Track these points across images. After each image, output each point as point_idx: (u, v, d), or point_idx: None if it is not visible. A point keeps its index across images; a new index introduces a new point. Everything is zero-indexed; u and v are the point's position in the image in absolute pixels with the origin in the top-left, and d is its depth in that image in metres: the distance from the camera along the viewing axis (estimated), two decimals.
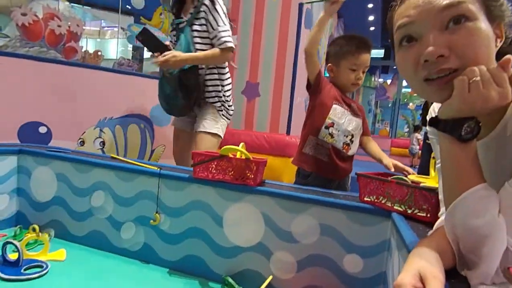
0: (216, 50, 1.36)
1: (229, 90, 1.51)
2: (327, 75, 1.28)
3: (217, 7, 1.36)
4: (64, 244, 1.09)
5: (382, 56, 10.65)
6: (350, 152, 1.19)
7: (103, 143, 1.78)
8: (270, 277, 0.88)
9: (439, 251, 0.43)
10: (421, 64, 0.46)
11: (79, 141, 1.72)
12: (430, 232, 0.56)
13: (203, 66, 1.42)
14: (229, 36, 1.37)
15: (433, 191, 0.71)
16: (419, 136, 6.42)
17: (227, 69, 1.50)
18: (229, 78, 1.51)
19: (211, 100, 1.46)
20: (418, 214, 0.74)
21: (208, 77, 1.45)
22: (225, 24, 1.36)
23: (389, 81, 12.70)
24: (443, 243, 0.45)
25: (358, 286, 0.83)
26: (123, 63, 2.81)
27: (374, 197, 0.84)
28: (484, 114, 0.44)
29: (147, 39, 1.35)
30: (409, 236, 0.60)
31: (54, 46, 1.80)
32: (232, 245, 0.94)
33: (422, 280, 0.38)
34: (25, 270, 0.88)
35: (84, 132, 1.74)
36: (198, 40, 1.38)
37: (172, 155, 1.65)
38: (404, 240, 0.59)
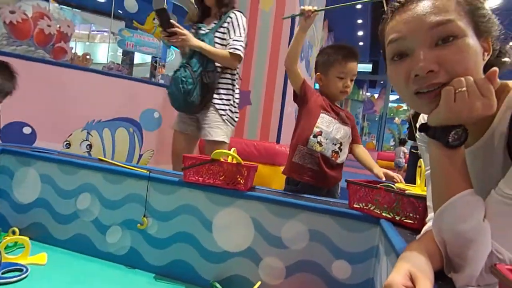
0: (225, 52, 1.45)
1: (238, 97, 1.57)
2: (317, 85, 1.31)
3: (240, 22, 1.49)
4: (45, 248, 1.04)
5: (370, 70, 10.99)
6: (339, 160, 1.20)
7: (90, 146, 1.74)
8: (259, 283, 0.87)
9: (427, 253, 0.44)
10: (412, 78, 0.48)
11: (65, 143, 1.68)
12: (418, 236, 0.57)
13: (219, 70, 1.48)
14: (242, 46, 1.48)
15: (420, 198, 0.73)
16: (405, 149, 6.58)
17: (237, 76, 1.57)
18: (238, 86, 1.59)
19: (218, 105, 1.49)
20: (406, 221, 0.76)
21: (222, 80, 1.51)
22: (241, 36, 1.48)
23: (376, 95, 13.07)
24: (431, 246, 0.46)
25: None
26: (112, 67, 2.78)
27: (363, 204, 0.85)
28: (470, 123, 0.46)
29: (163, 15, 1.38)
30: (398, 241, 0.62)
31: (43, 46, 1.77)
32: (220, 250, 0.93)
33: (412, 280, 0.39)
34: (3, 273, 0.84)
35: (71, 134, 1.70)
36: (218, 46, 1.48)
37: (161, 160, 1.63)
38: (393, 245, 0.61)
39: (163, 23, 1.38)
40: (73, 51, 2.04)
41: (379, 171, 1.12)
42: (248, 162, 1.00)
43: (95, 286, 0.87)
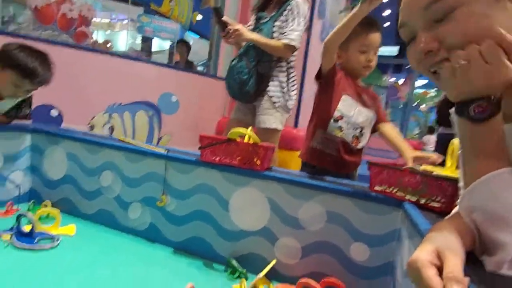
0: (279, 43, 1.43)
1: (293, 86, 1.56)
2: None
3: (300, 10, 1.46)
4: (74, 221, 1.10)
5: (396, 53, 10.37)
6: (359, 145, 1.15)
7: (112, 128, 1.80)
8: (274, 261, 0.87)
9: (458, 232, 0.41)
10: (421, 60, 0.47)
11: (89, 126, 1.74)
12: (447, 217, 0.54)
13: (275, 59, 1.47)
14: (298, 37, 1.44)
15: (449, 180, 0.69)
16: (433, 137, 6.28)
17: (293, 64, 1.55)
18: (294, 75, 1.57)
19: (271, 93, 1.49)
20: (432, 204, 0.72)
21: (277, 69, 1.50)
22: (299, 25, 1.45)
23: (401, 81, 12.47)
24: (462, 225, 0.43)
25: (364, 274, 0.82)
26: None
27: (386, 186, 0.82)
28: (493, 92, 0.41)
29: (218, 14, 1.42)
30: (423, 223, 0.58)
31: (65, 30, 1.81)
32: (237, 229, 0.94)
33: (439, 258, 0.36)
34: (37, 241, 0.90)
35: (94, 117, 1.76)
36: (276, 35, 1.47)
37: (179, 143, 1.66)
38: (418, 227, 0.57)
39: (219, 22, 1.41)
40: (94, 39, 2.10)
41: (410, 157, 0.97)
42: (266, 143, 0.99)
43: (119, 258, 0.91)
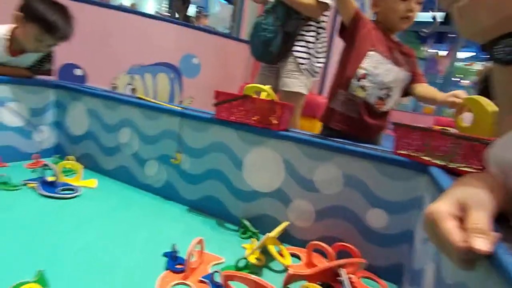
0: (312, 0, 1.32)
1: (322, 47, 1.46)
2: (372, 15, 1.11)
3: None
4: (96, 175, 1.15)
5: (442, 20, 9.38)
6: (384, 108, 1.05)
7: (133, 89, 1.81)
8: (287, 223, 0.86)
9: (488, 185, 0.35)
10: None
11: (112, 86, 1.76)
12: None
13: (303, 17, 1.38)
14: None
15: (485, 142, 0.60)
16: (469, 115, 5.76)
17: (324, 25, 1.45)
18: (324, 36, 1.47)
19: (297, 54, 1.41)
20: (463, 168, 0.64)
21: (305, 28, 1.40)
22: None
23: (442, 53, 11.42)
24: (493, 180, 0.37)
25: (380, 241, 0.78)
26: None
27: (411, 149, 0.74)
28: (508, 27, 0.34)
29: None
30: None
31: None
32: (250, 189, 0.92)
33: (462, 210, 0.31)
34: (60, 190, 0.95)
35: (117, 78, 1.77)
36: None
37: (200, 107, 1.63)
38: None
39: None
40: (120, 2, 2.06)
41: (445, 96, 0.90)
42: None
43: (136, 212, 0.93)
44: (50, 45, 1.13)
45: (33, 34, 1.07)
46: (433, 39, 11.28)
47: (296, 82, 1.41)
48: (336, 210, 0.82)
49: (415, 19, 1.03)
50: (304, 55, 1.40)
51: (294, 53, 1.40)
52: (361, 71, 1.00)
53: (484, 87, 2.62)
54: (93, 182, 1.08)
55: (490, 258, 0.28)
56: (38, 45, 1.11)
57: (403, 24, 1.01)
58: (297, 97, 1.42)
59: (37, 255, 0.65)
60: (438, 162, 0.69)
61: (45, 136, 1.23)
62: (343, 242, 0.79)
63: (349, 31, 1.04)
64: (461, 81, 11.77)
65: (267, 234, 0.74)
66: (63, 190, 0.96)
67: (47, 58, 1.23)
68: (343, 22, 1.06)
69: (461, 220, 0.30)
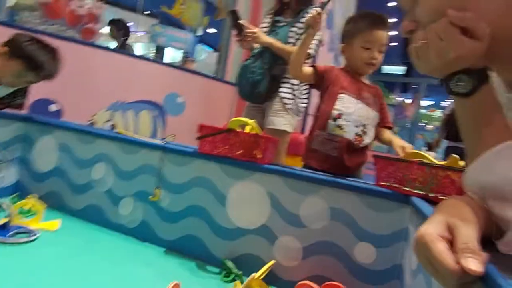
0: (294, 48, 1.40)
1: (305, 89, 1.54)
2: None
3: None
4: (60, 216, 1.04)
5: (403, 73, 10.43)
6: (363, 144, 1.09)
7: (113, 126, 1.77)
8: (272, 262, 0.80)
9: (471, 206, 0.35)
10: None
11: (89, 122, 1.71)
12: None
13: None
14: (314, 45, 1.43)
15: (459, 170, 0.63)
16: (432, 153, 6.04)
17: None
18: None
19: (283, 95, 1.47)
20: (442, 197, 0.66)
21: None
22: (316, 35, 1.43)
23: (408, 101, 12.45)
24: (474, 203, 0.37)
25: (370, 278, 0.74)
26: None
27: (392, 181, 0.76)
28: (464, 66, 0.39)
29: (234, 16, 1.43)
30: None
31: (73, 26, 1.82)
32: (234, 227, 0.88)
33: (450, 231, 0.30)
34: (12, 235, 0.84)
35: (95, 114, 1.73)
36: (292, 40, 1.46)
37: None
38: None
39: (235, 25, 1.41)
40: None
41: (396, 145, 0.98)
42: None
43: (103, 256, 0.84)
44: (30, 81, 1.10)
45: (16, 70, 1.04)
46: (399, 89, 12.38)
47: (282, 121, 1.46)
48: (323, 246, 0.79)
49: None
50: (289, 96, 1.47)
51: (280, 94, 1.47)
52: (335, 112, 1.06)
53: (450, 130, 2.83)
54: (55, 223, 0.97)
55: (484, 281, 0.27)
56: (16, 81, 1.07)
57: (367, 69, 1.09)
58: (283, 135, 1.46)
59: None
60: (418, 192, 0.70)
61: (4, 173, 1.12)
62: (332, 280, 0.75)
63: (316, 85, 1.13)
64: (426, 126, 12.73)
65: (253, 274, 0.69)
66: (16, 234, 0.85)
67: (21, 92, 1.19)
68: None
69: (450, 242, 0.30)
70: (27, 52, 1.03)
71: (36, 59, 1.03)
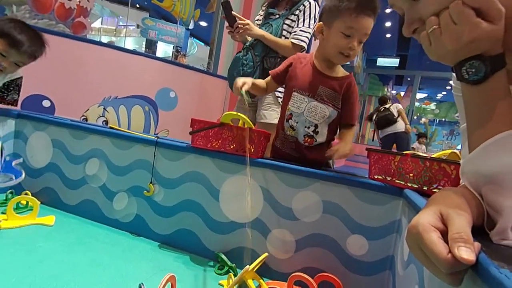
0: (287, 42, 1.40)
1: None
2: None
3: (311, 12, 1.43)
4: (55, 212, 1.04)
5: (397, 65, 10.40)
6: (315, 144, 0.98)
7: (106, 122, 1.75)
8: (265, 254, 0.81)
9: (464, 197, 0.36)
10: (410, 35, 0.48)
11: (82, 118, 1.70)
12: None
13: (281, 55, 1.44)
14: (307, 38, 1.42)
15: (453, 163, 0.63)
16: (420, 147, 5.91)
17: None
18: None
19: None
20: (435, 190, 0.67)
21: None
22: (309, 27, 1.43)
23: (402, 93, 12.51)
24: (468, 193, 0.38)
25: (362, 270, 0.76)
26: None
27: (385, 175, 0.76)
28: (478, 51, 0.38)
29: (227, 8, 1.41)
30: None
31: (63, 20, 1.79)
32: (227, 220, 0.88)
33: (443, 221, 0.31)
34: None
35: (88, 109, 1.71)
36: (285, 33, 1.45)
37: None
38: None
39: (227, 17, 1.39)
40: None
41: (334, 148, 0.90)
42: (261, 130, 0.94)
43: (98, 250, 0.84)
44: (16, 63, 1.09)
45: None
46: (393, 81, 12.40)
47: (274, 114, 1.45)
48: (316, 239, 0.80)
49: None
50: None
51: None
52: (287, 112, 1.00)
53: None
54: (50, 219, 0.97)
55: (476, 270, 0.28)
56: (3, 60, 1.06)
57: (340, 59, 0.94)
58: (274, 128, 1.45)
59: None
60: (411, 185, 0.71)
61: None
62: (325, 272, 0.76)
63: (282, 84, 1.09)
64: (421, 119, 12.81)
65: (246, 266, 0.70)
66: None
67: (14, 86, 1.18)
68: None
69: (443, 232, 0.30)
70: (5, 30, 1.04)
71: (14, 35, 1.04)
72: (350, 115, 0.98)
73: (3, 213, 0.95)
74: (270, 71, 1.09)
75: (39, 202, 0.98)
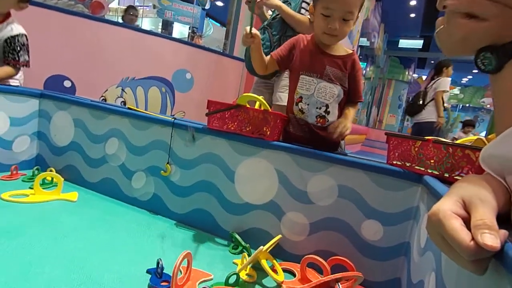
0: (305, 18, 1.37)
1: None
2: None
3: None
4: (77, 189, 1.09)
5: (420, 47, 9.81)
6: (327, 123, 0.98)
7: (124, 103, 1.78)
8: (279, 236, 0.82)
9: (489, 184, 0.34)
10: None
11: (101, 98, 1.73)
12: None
13: (298, 34, 1.40)
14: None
15: (477, 149, 0.61)
16: (463, 135, 5.27)
17: None
18: None
19: None
20: (457, 177, 0.64)
21: None
22: None
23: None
24: (493, 180, 0.36)
25: (376, 255, 0.76)
26: None
27: (404, 161, 0.74)
28: (485, 43, 0.41)
29: None
30: None
31: (82, 0, 1.80)
32: (242, 202, 0.89)
33: (466, 208, 0.30)
34: None
35: (107, 90, 1.74)
36: (303, 11, 1.41)
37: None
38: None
39: None
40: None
41: (333, 125, 0.92)
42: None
43: (119, 227, 0.88)
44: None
45: None
46: (415, 64, 11.84)
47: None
48: (330, 222, 0.80)
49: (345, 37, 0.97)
50: None
51: None
52: (297, 96, 0.99)
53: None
54: (73, 195, 1.02)
55: (500, 259, 0.27)
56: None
57: (327, 39, 0.95)
58: None
59: (9, 273, 0.59)
60: (432, 171, 0.69)
61: (26, 147, 1.17)
62: (338, 256, 0.76)
63: (285, 68, 1.06)
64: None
65: (260, 247, 0.71)
66: None
67: (21, 46, 1.23)
68: None
69: (466, 220, 0.29)
70: None
71: None
72: (356, 92, 1.01)
73: (30, 187, 1.01)
74: (271, 53, 1.03)
75: (63, 179, 1.03)
